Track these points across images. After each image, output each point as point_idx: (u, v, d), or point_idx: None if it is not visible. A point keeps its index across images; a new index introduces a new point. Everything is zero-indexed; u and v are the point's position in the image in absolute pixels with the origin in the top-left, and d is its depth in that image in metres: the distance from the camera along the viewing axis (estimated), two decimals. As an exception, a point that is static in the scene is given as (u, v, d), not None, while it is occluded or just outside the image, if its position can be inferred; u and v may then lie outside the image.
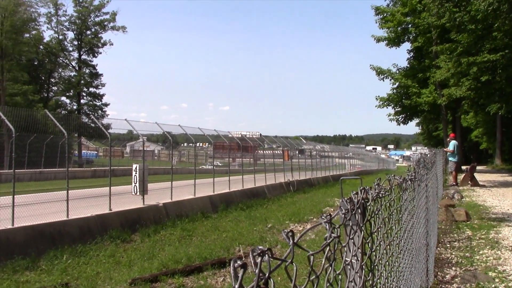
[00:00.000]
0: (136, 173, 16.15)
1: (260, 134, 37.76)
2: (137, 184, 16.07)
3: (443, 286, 6.90)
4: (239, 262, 0.79)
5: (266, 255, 0.86)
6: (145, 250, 12.26)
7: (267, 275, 0.84)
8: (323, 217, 1.31)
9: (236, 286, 0.76)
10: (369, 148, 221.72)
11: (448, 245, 9.68)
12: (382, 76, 38.36)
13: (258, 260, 0.84)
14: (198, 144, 29.51)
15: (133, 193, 16.22)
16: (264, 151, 35.84)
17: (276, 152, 35.52)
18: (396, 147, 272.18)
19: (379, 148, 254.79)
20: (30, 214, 12.53)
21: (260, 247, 0.88)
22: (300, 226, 16.11)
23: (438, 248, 9.21)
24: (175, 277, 9.72)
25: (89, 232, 12.92)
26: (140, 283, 9.27)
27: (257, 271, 0.81)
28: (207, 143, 53.13)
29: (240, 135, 32.73)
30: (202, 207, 18.06)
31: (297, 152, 39.99)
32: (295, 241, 1.01)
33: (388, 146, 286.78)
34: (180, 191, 18.73)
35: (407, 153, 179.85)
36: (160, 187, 19.86)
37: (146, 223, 14.75)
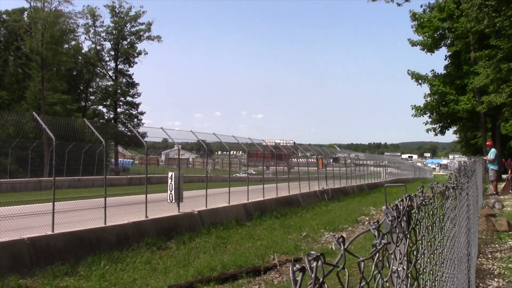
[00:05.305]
0: (171, 181, 16.33)
1: (294, 142, 37.60)
2: (173, 192, 16.24)
3: (485, 298, 6.70)
4: (297, 266, 0.79)
5: (319, 260, 0.86)
6: (181, 257, 12.36)
7: (321, 280, 0.83)
8: (371, 224, 1.30)
9: (295, 289, 0.76)
10: (404, 156, 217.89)
11: (489, 256, 9.39)
12: (420, 82, 37.54)
13: (314, 264, 0.83)
14: (232, 152, 29.63)
15: (168, 201, 16.40)
16: (298, 159, 35.72)
17: (310, 160, 35.33)
18: (433, 156, 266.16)
19: (415, 156, 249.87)
20: (69, 221, 12.82)
21: (313, 252, 0.88)
22: (335, 235, 15.95)
23: (479, 259, 8.95)
24: (210, 284, 9.77)
25: (126, 239, 13.13)
26: (176, 290, 9.35)
27: (313, 275, 0.81)
28: (241, 151, 53.30)
29: (274, 143, 32.72)
30: (237, 215, 18.11)
31: (331, 160, 39.68)
32: (345, 247, 1.00)
33: (425, 154, 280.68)
34: (215, 199, 18.83)
35: (444, 161, 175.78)
36: (194, 194, 20.03)
37: (182, 230, 14.88)
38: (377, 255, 1.23)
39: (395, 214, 1.55)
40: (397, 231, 1.56)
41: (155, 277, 10.50)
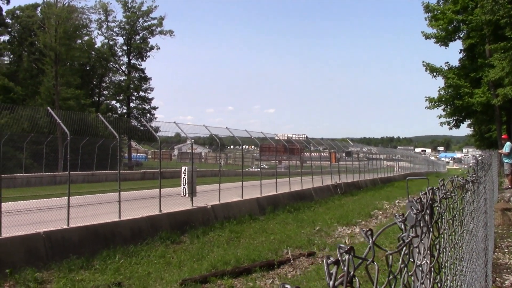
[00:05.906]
0: (185, 175, 16.38)
1: (306, 136, 37.50)
2: (186, 186, 16.30)
3: (502, 293, 6.64)
4: (332, 259, 0.78)
5: (351, 253, 0.84)
6: (195, 251, 12.42)
7: (351, 273, 0.82)
8: (397, 217, 1.28)
9: (331, 283, 0.75)
10: (418, 150, 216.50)
11: (505, 250, 9.30)
12: (434, 74, 37.02)
13: (346, 257, 0.82)
14: (244, 146, 29.62)
15: (182, 195, 16.46)
16: (311, 154, 35.65)
17: (322, 154, 35.23)
18: (446, 149, 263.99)
19: (428, 150, 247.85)
20: (84, 215, 12.92)
21: (342, 245, 0.86)
22: (348, 229, 15.92)
23: (495, 253, 8.86)
24: (224, 278, 9.81)
25: (140, 233, 13.21)
26: (190, 284, 9.40)
27: (345, 268, 0.80)
28: (253, 146, 53.30)
29: (286, 137, 32.67)
30: (250, 209, 18.13)
31: (344, 154, 39.54)
32: (373, 239, 0.98)
33: (438, 148, 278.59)
34: (228, 193, 18.87)
35: (458, 155, 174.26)
36: (208, 189, 20.07)
37: (195, 224, 14.94)
38: (403, 249, 1.21)
39: (419, 207, 1.53)
40: (421, 225, 1.54)
41: (169, 271, 10.57)
